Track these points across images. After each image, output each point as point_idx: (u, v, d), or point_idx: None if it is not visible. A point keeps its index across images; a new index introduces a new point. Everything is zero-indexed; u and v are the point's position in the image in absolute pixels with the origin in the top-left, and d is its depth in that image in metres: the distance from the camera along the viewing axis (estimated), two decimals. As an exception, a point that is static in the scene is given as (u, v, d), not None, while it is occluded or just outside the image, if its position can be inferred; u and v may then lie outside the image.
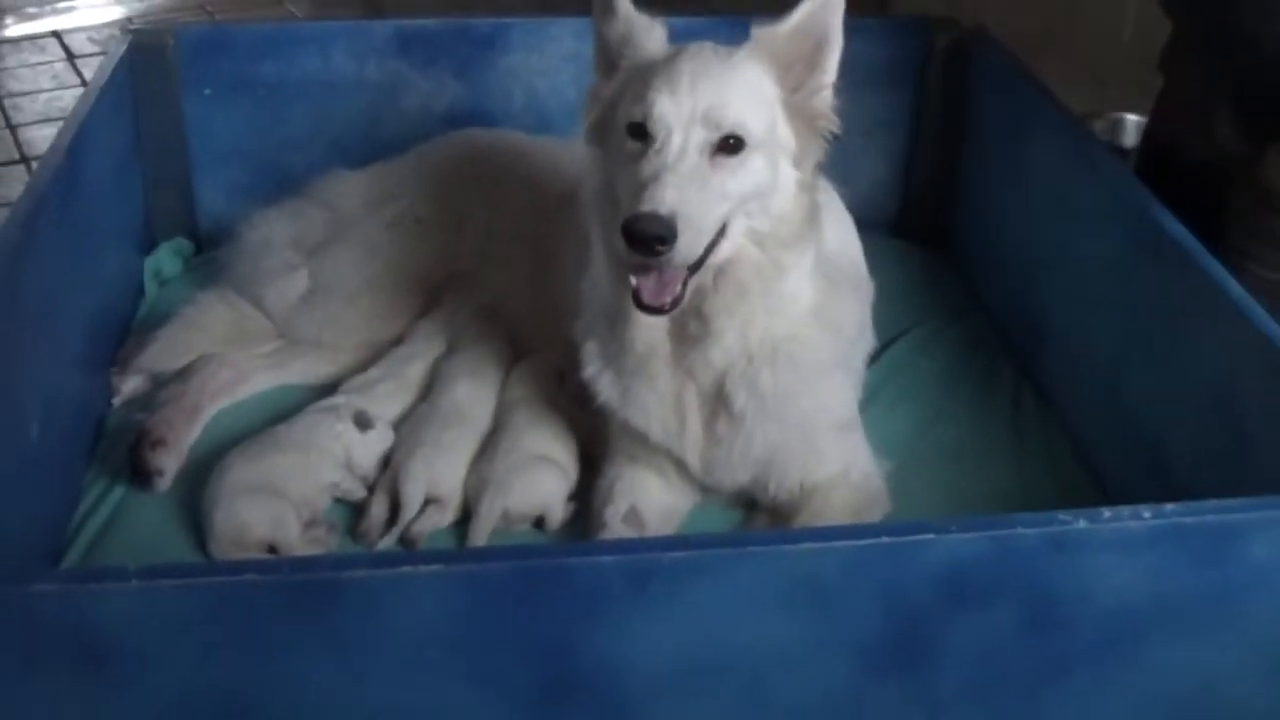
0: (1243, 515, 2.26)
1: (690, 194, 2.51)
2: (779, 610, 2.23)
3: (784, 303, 2.83)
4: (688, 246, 2.52)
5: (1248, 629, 2.35)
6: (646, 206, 2.47)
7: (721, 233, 2.65)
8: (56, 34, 6.55)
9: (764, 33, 2.71)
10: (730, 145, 2.59)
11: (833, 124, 2.76)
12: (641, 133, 2.60)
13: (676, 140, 2.56)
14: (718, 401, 2.91)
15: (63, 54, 6.37)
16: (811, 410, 2.97)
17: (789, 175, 2.72)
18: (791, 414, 2.93)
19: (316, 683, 2.19)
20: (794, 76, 2.71)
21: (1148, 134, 3.75)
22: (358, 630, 2.15)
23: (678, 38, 2.78)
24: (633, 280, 2.61)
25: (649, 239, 2.46)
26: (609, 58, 2.80)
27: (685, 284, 2.63)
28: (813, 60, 2.71)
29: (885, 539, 2.25)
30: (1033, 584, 2.25)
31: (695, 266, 2.62)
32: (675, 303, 2.63)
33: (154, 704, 2.18)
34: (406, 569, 2.17)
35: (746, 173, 2.63)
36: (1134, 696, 2.39)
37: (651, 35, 2.76)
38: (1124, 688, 2.38)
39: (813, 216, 2.82)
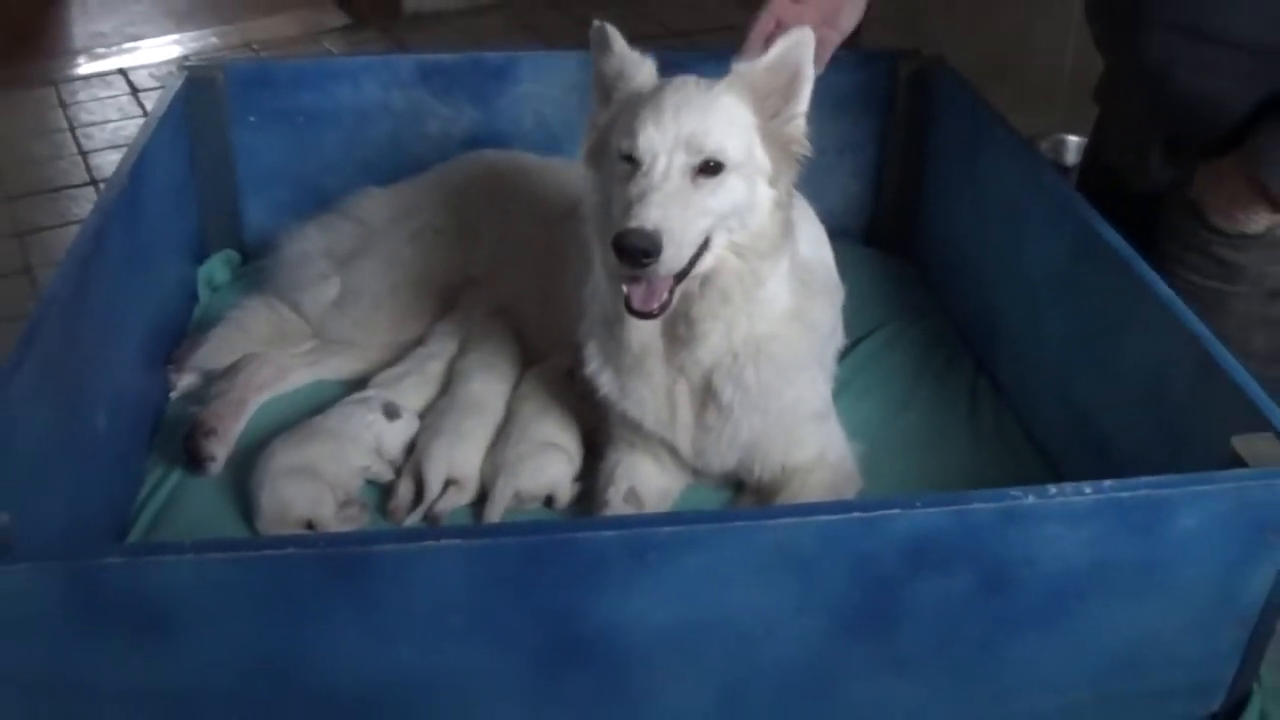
0: (1173, 490, 2.27)
1: (673, 211, 2.54)
2: (762, 578, 2.23)
3: (763, 306, 2.83)
4: (672, 258, 2.54)
5: (1177, 590, 2.37)
6: (634, 223, 2.50)
7: (705, 246, 2.66)
8: (122, 71, 6.57)
9: (742, 67, 2.73)
10: (710, 168, 2.61)
11: (805, 148, 2.77)
12: (631, 157, 2.61)
13: (661, 164, 2.58)
14: (707, 395, 2.92)
15: (127, 88, 6.39)
16: (791, 401, 2.98)
17: (765, 194, 2.73)
18: (773, 405, 2.94)
19: (349, 644, 2.20)
20: (770, 106, 2.72)
21: (1086, 159, 3.74)
22: (385, 598, 2.16)
23: (667, 70, 2.78)
24: (624, 288, 2.63)
25: (636, 252, 2.49)
26: (605, 88, 2.81)
27: (672, 292, 2.65)
28: (787, 91, 2.72)
29: (857, 514, 2.24)
30: (988, 553, 2.26)
31: (681, 276, 2.64)
32: (663, 308, 2.65)
33: (207, 662, 2.19)
34: (429, 543, 2.17)
35: (725, 192, 2.64)
36: (1078, 650, 2.41)
37: (642, 70, 2.78)
38: (1069, 643, 2.39)
39: (787, 230, 2.83)
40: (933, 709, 2.46)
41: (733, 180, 2.65)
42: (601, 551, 2.18)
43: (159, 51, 6.72)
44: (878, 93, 4.06)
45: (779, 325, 2.89)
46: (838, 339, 3.29)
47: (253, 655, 2.20)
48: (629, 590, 2.21)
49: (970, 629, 2.36)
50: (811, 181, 2.94)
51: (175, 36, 6.98)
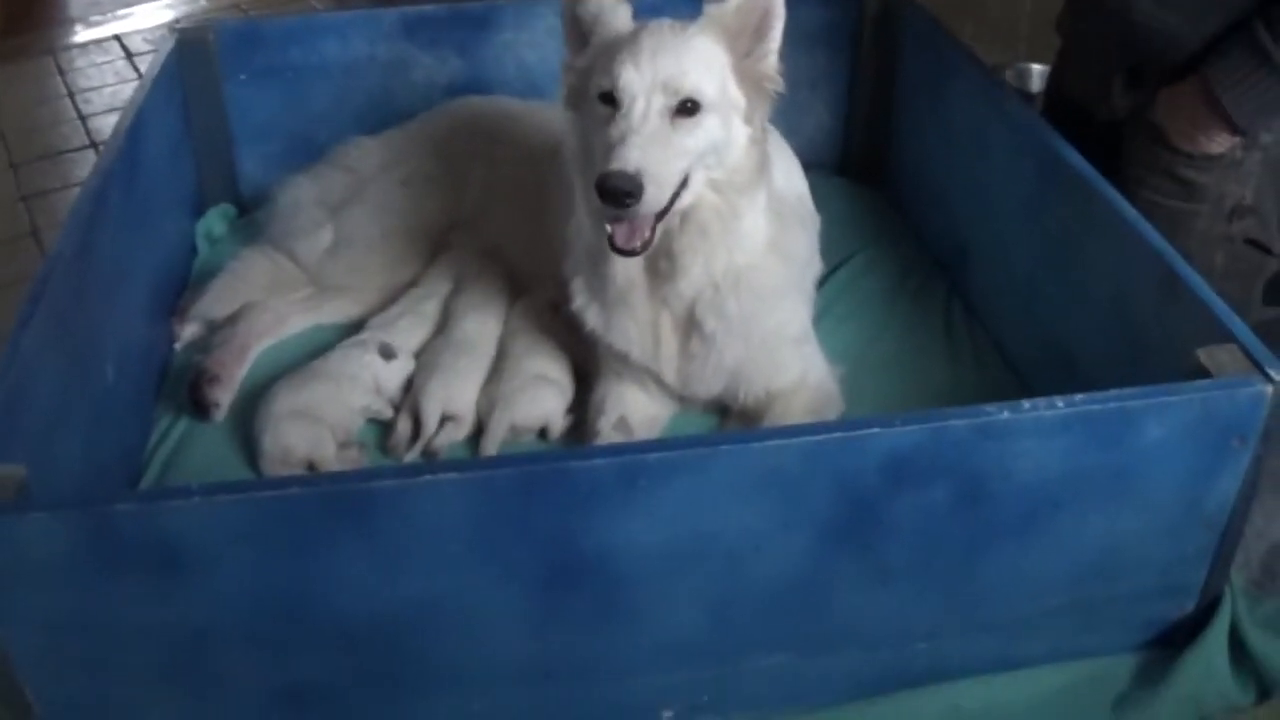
0: (1139, 402, 2.29)
1: (653, 152, 2.54)
2: (749, 498, 2.25)
3: (742, 239, 2.83)
4: (653, 198, 2.54)
5: (1147, 497, 2.39)
6: (615, 165, 2.50)
7: (684, 184, 2.66)
8: (117, 37, 6.54)
9: (715, 8, 2.71)
10: (688, 108, 2.60)
11: (777, 84, 2.76)
12: (611, 100, 2.61)
13: (640, 106, 2.57)
14: (690, 325, 2.92)
15: (123, 53, 6.36)
16: (772, 328, 2.98)
17: (741, 131, 2.73)
18: (755, 332, 2.95)
19: (354, 577, 2.21)
20: (742, 44, 2.71)
21: (1049, 89, 3.74)
22: (387, 531, 2.17)
23: (642, 13, 2.76)
24: (608, 228, 2.63)
25: (618, 194, 2.49)
26: (581, 33, 2.79)
27: (654, 229, 2.65)
28: (759, 30, 2.71)
29: (838, 434, 2.26)
30: (964, 467, 2.27)
31: (662, 213, 2.64)
32: (645, 245, 2.65)
33: (218, 598, 2.21)
34: (427, 477, 2.17)
35: (703, 131, 2.64)
36: (1053, 557, 2.43)
37: (618, 14, 2.76)
38: (1044, 550, 2.41)
39: (763, 165, 2.82)
40: (916, 617, 2.47)
41: (709, 120, 2.65)
42: (594, 478, 2.18)
43: (152, 16, 6.69)
44: (847, 28, 4.06)
45: (757, 256, 2.88)
46: (815, 267, 3.29)
47: (263, 590, 2.21)
48: (622, 514, 2.21)
49: (949, 540, 2.37)
50: (785, 116, 2.95)
51: (167, 1, 6.96)
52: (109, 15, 6.81)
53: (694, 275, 2.83)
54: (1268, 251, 3.09)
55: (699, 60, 2.65)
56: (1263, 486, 2.47)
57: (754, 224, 2.85)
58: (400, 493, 2.15)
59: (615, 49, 2.66)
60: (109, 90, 6.00)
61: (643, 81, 2.58)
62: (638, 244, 2.64)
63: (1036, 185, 3.15)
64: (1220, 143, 2.93)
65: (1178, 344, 2.34)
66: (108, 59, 6.34)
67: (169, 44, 3.75)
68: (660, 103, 2.59)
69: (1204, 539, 2.48)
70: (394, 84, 4.02)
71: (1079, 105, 3.27)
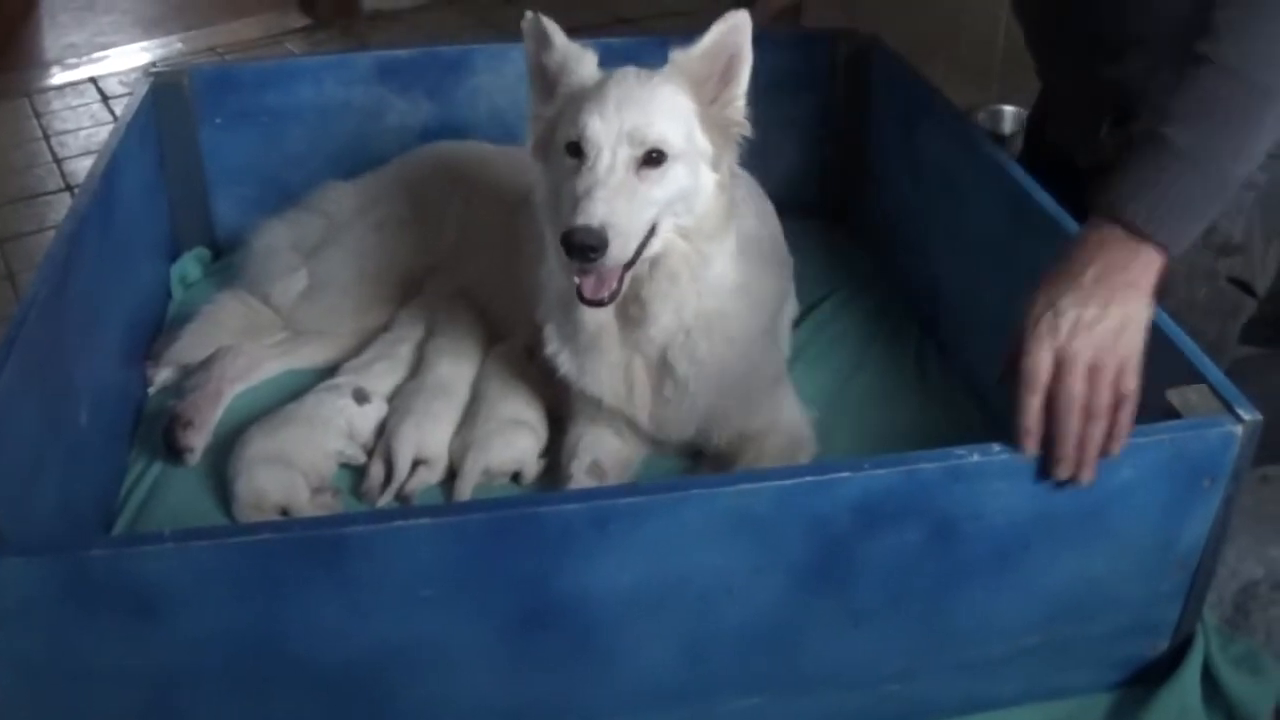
0: (1111, 444, 2.28)
1: (618, 205, 2.53)
2: (720, 542, 2.24)
3: (712, 284, 2.83)
4: (618, 250, 2.53)
5: (1119, 537, 2.39)
6: (580, 220, 2.48)
7: (652, 232, 2.66)
8: (93, 80, 6.54)
9: (680, 55, 2.71)
10: (654, 158, 2.60)
11: (745, 130, 2.76)
12: (578, 151, 2.60)
13: (605, 158, 2.57)
14: (663, 369, 2.92)
15: (98, 96, 6.36)
16: (745, 372, 2.98)
17: (708, 178, 2.73)
18: (728, 376, 2.94)
19: (327, 621, 2.20)
20: (709, 90, 2.71)
21: (1029, 131, 3.75)
22: (360, 576, 2.16)
23: (608, 58, 2.78)
24: (575, 279, 2.63)
25: (584, 249, 2.48)
26: (547, 81, 2.79)
27: (621, 279, 2.65)
28: (726, 75, 2.71)
29: (809, 477, 2.24)
30: (935, 509, 2.27)
31: (630, 263, 2.63)
32: (613, 296, 2.65)
33: (194, 643, 2.20)
34: (399, 523, 2.17)
35: (670, 181, 2.63)
36: (1026, 598, 2.42)
37: (584, 62, 2.76)
38: (1017, 591, 2.41)
39: (731, 210, 2.82)
40: (889, 658, 2.46)
41: (676, 169, 2.64)
42: (566, 523, 2.18)
43: (128, 59, 6.69)
44: (818, 71, 4.06)
45: (729, 300, 2.88)
46: (790, 309, 3.32)
47: (237, 635, 2.20)
48: (593, 558, 2.21)
49: (922, 582, 2.36)
50: (757, 159, 2.93)
51: (143, 44, 6.94)
52: (84, 58, 6.81)
53: (664, 321, 2.83)
54: (1250, 292, 3.08)
55: (665, 109, 2.64)
56: (1235, 525, 2.47)
57: (724, 269, 2.85)
58: (372, 538, 2.14)
59: (581, 99, 2.66)
60: (84, 133, 5.99)
61: (609, 133, 2.58)
62: (605, 295, 2.63)
63: (1006, 226, 3.16)
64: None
65: (1147, 384, 2.33)
66: (83, 102, 6.34)
67: (144, 87, 3.75)
68: (626, 154, 2.58)
69: (1176, 578, 2.48)
70: (368, 128, 4.02)
71: (1061, 152, 3.27)
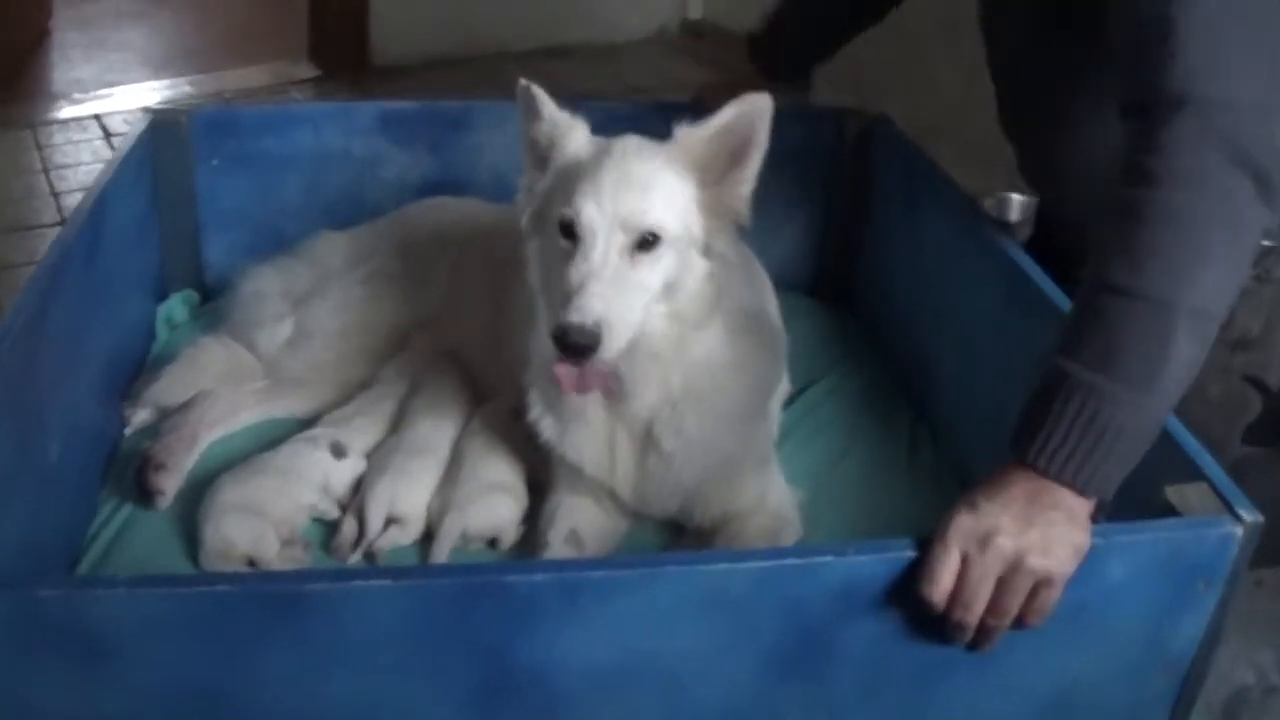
0: (1102, 540, 2.19)
1: (613, 298, 2.44)
2: (694, 621, 2.16)
3: (697, 364, 2.75)
4: (613, 346, 2.45)
5: (1108, 636, 2.31)
6: (575, 317, 2.39)
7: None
8: (97, 116, 6.50)
9: (686, 133, 2.62)
10: (647, 242, 2.51)
11: (744, 219, 2.67)
12: (570, 232, 2.51)
13: (600, 245, 2.47)
14: (648, 442, 2.84)
15: (101, 133, 6.33)
16: (731, 450, 2.90)
17: (698, 264, 2.64)
18: (714, 454, 2.87)
19: (282, 680, 2.11)
20: (713, 172, 2.62)
21: (1039, 225, 3.73)
22: (318, 635, 2.08)
23: (612, 124, 2.71)
24: (556, 368, 2.53)
25: (578, 349, 2.40)
26: (539, 154, 2.72)
27: (605, 376, 2.60)
28: (735, 157, 2.61)
29: (789, 560, 2.17)
30: (918, 599, 2.16)
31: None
32: (594, 387, 2.59)
33: (141, 695, 2.11)
34: (359, 583, 2.09)
35: (661, 267, 2.55)
36: (1009, 696, 2.34)
37: (574, 133, 2.68)
38: (1000, 688, 2.32)
39: (718, 296, 2.72)
40: (864, 756, 2.38)
41: (668, 254, 2.55)
42: (534, 593, 2.09)
43: (134, 98, 6.66)
44: (824, 149, 4.01)
45: (721, 376, 2.81)
46: (782, 387, 3.25)
47: (188, 687, 2.12)
48: (561, 631, 2.13)
49: (901, 674, 2.28)
50: (758, 236, 2.86)
51: (151, 84, 6.93)
52: (91, 94, 6.78)
53: (649, 398, 2.76)
54: (1263, 388, 3.01)
55: (662, 194, 2.55)
56: (1226, 630, 2.38)
57: (709, 351, 2.77)
58: (332, 596, 2.06)
59: (576, 176, 2.56)
60: (84, 169, 5.95)
61: (604, 218, 2.48)
62: (585, 389, 2.57)
63: (1004, 309, 3.10)
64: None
65: (1145, 479, 2.25)
66: (86, 137, 6.31)
67: (142, 124, 3.70)
68: (620, 240, 2.49)
69: (1165, 683, 2.40)
70: (366, 179, 3.97)
71: (1070, 254, 3.20)
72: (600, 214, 2.49)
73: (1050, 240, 3.46)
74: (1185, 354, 2.20)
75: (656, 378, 2.73)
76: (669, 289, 2.60)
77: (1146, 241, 2.21)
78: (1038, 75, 3.07)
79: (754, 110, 2.58)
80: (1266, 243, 2.78)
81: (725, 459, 2.90)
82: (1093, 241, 2.31)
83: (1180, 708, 2.44)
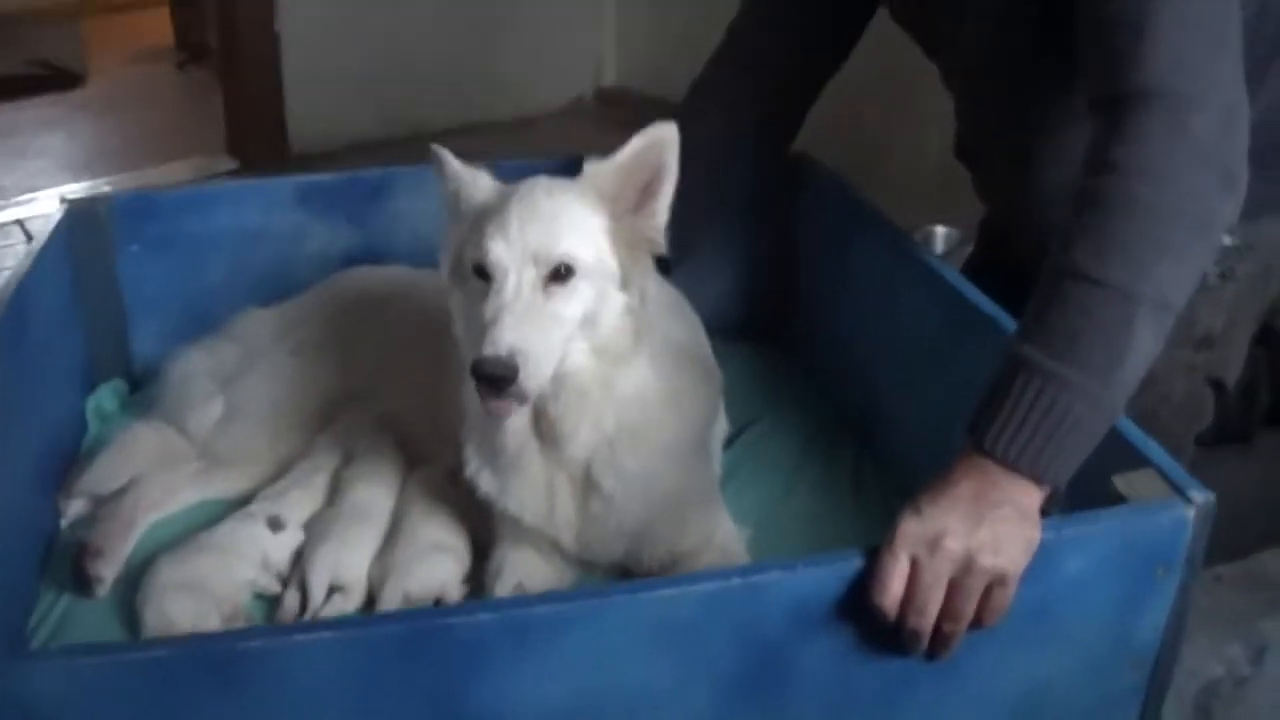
0: (1057, 533, 2.15)
1: (527, 330, 2.41)
2: (647, 652, 2.10)
3: (629, 402, 2.71)
4: (533, 376, 2.41)
5: (1070, 634, 2.27)
6: (488, 350, 2.36)
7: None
8: (19, 221, 6.47)
9: (594, 168, 2.60)
10: (561, 274, 2.48)
11: (659, 247, 2.63)
12: (484, 273, 2.49)
13: (511, 280, 2.45)
14: (588, 486, 2.79)
15: (24, 237, 6.28)
16: (674, 487, 2.85)
17: (616, 299, 2.60)
18: (655, 492, 2.81)
19: (223, 746, 2.03)
20: (625, 204, 2.59)
21: (980, 239, 3.71)
22: (259, 695, 2.01)
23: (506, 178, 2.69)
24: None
25: (496, 380, 2.37)
26: (452, 210, 2.72)
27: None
28: (647, 189, 2.58)
29: (737, 580, 2.11)
30: (870, 608, 2.12)
31: None
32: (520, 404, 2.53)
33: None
34: (300, 637, 2.04)
35: (577, 298, 2.51)
36: (975, 703, 2.29)
37: (478, 183, 2.68)
38: (967, 696, 2.27)
39: (640, 332, 2.67)
40: (831, 777, 2.32)
41: (583, 286, 2.52)
42: (480, 635, 2.03)
43: (55, 202, 6.61)
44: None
45: (656, 411, 2.76)
46: (721, 423, 3.20)
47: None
48: (511, 673, 2.06)
49: (863, 691, 2.22)
50: (685, 279, 2.90)
51: (72, 186, 6.90)
52: (11, 200, 6.75)
53: (583, 437, 2.71)
54: (1222, 389, 3.00)
55: (571, 225, 2.53)
56: (1191, 625, 2.34)
57: (641, 384, 2.73)
58: (272, 653, 1.99)
59: (485, 219, 2.55)
60: (5, 273, 5.88)
61: (512, 254, 2.46)
62: (507, 413, 2.54)
63: (944, 332, 3.07)
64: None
65: (1091, 471, 2.21)
66: (8, 242, 6.27)
67: (59, 213, 3.65)
68: (532, 274, 2.47)
69: (1132, 678, 2.35)
70: (289, 254, 3.90)
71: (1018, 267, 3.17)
72: (509, 249, 2.46)
73: (996, 261, 3.42)
74: (1145, 346, 2.19)
75: (588, 417, 2.67)
76: (588, 322, 2.56)
77: (1111, 231, 2.21)
78: (1004, 83, 3.04)
79: (661, 140, 2.55)
80: (1229, 240, 2.74)
81: (667, 496, 2.84)
82: (1058, 231, 2.30)
83: (1151, 703, 2.40)
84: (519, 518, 2.85)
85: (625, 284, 2.61)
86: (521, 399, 2.45)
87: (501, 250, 2.46)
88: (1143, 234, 2.20)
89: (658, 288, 2.84)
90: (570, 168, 2.68)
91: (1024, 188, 3.03)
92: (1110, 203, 2.22)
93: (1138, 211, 2.20)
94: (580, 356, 2.59)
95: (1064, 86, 2.78)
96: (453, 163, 2.71)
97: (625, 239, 2.59)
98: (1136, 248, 2.19)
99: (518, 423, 2.68)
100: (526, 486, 2.81)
